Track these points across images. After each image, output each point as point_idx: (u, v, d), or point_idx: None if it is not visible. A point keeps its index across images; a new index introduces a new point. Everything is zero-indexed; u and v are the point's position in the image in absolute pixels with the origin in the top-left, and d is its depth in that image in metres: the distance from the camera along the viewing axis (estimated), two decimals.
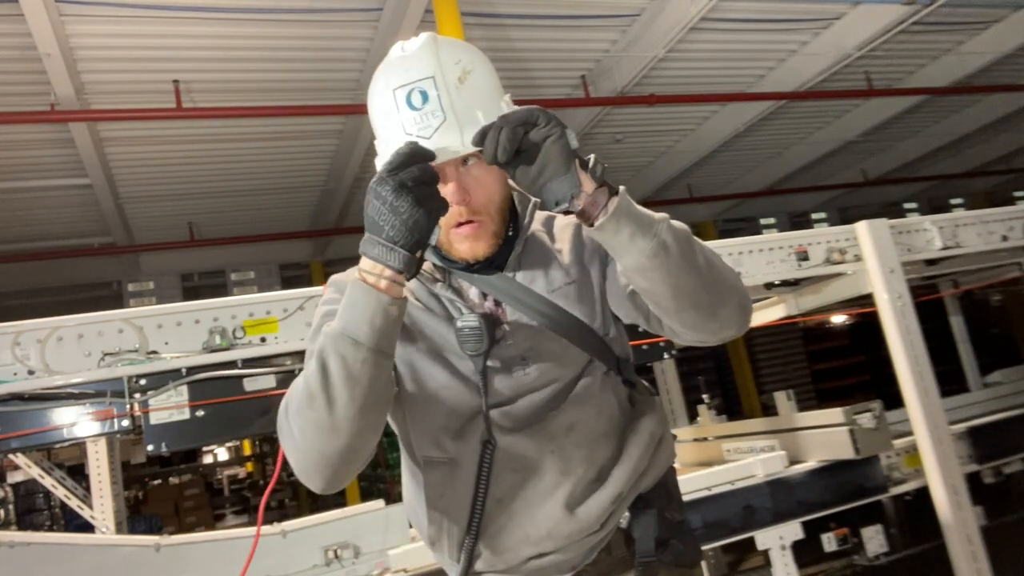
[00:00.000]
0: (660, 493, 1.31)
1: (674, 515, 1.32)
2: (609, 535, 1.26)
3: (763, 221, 10.35)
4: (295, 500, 10.79)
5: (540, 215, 1.40)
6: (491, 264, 1.26)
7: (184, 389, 2.22)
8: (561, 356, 1.26)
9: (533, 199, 1.33)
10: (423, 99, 1.13)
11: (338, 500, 7.25)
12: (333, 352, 1.03)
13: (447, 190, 1.16)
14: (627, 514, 1.27)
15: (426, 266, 1.28)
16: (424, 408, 1.25)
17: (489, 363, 1.22)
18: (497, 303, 1.28)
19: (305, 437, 1.07)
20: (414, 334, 1.25)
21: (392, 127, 1.15)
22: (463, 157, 1.17)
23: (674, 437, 1.43)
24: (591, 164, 1.09)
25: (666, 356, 2.82)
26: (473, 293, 1.29)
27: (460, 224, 1.20)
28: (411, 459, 1.32)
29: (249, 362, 2.28)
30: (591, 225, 1.08)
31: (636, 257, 1.08)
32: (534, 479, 1.22)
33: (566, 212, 1.10)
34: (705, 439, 3.50)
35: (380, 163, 1.17)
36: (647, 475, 1.29)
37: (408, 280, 1.07)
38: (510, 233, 1.29)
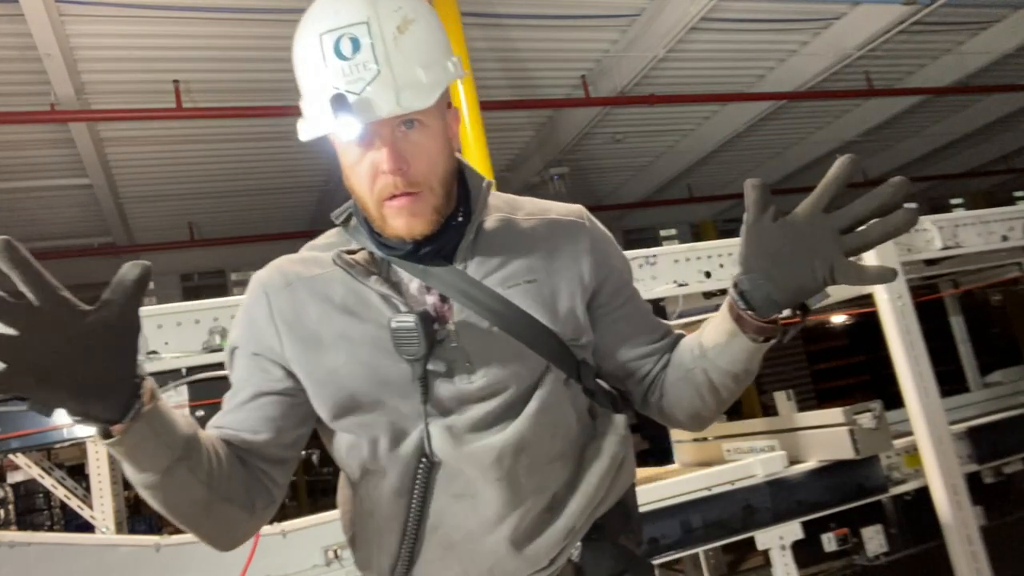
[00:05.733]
0: (616, 517, 1.17)
1: (630, 542, 1.18)
2: (558, 570, 1.10)
3: None
4: (295, 500, 10.80)
5: (500, 198, 1.21)
6: (437, 253, 1.09)
7: (184, 389, 2.22)
8: (514, 362, 1.07)
9: (487, 179, 1.16)
10: (354, 47, 0.97)
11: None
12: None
13: (379, 156, 1.01)
14: (578, 544, 1.11)
15: (359, 256, 1.10)
16: (354, 420, 1.08)
17: (430, 367, 1.04)
18: (443, 299, 1.09)
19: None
20: (339, 342, 1.06)
21: (317, 80, 0.99)
22: (401, 119, 1.01)
23: (649, 454, 1.35)
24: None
25: None
26: (414, 287, 1.10)
27: (394, 196, 1.03)
28: (344, 471, 1.18)
29: None
30: (753, 332, 0.99)
31: (744, 365, 1.05)
32: (478, 507, 1.06)
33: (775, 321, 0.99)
34: (705, 439, 3.49)
35: (302, 129, 1.04)
36: (604, 502, 1.14)
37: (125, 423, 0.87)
38: (460, 218, 1.12)
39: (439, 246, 1.08)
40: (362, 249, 1.11)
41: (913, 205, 0.87)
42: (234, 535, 1.08)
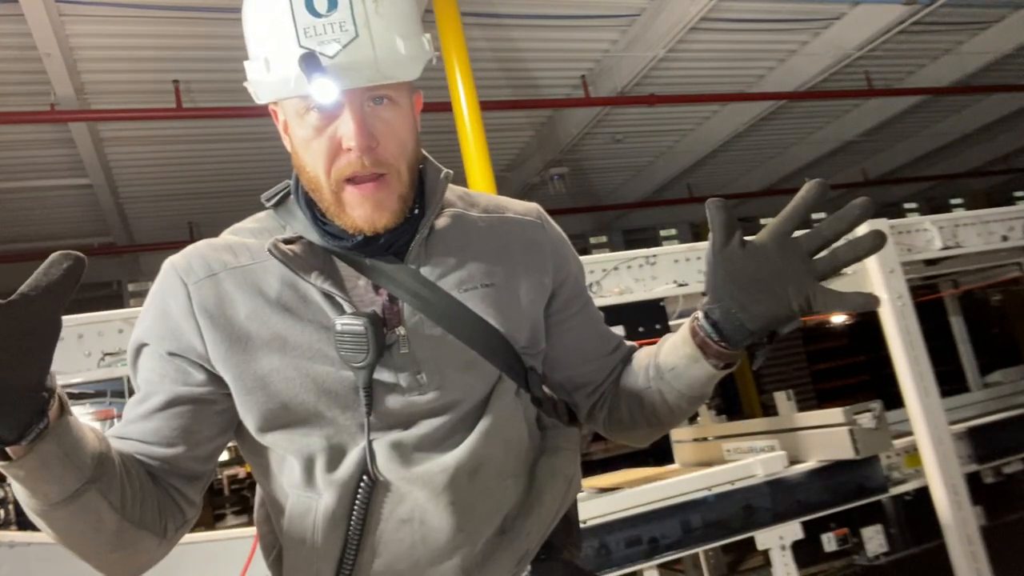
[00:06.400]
0: (562, 531, 1.08)
1: (573, 553, 1.11)
2: None
3: (763, 221, 10.28)
4: None
5: (454, 192, 1.10)
6: (387, 248, 0.97)
7: None
8: (467, 372, 0.98)
9: (445, 170, 1.05)
10: (329, 5, 0.86)
11: None
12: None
13: (346, 129, 0.90)
14: (528, 567, 1.03)
15: (296, 247, 0.97)
16: (286, 434, 0.95)
17: (376, 376, 0.93)
18: (392, 299, 0.97)
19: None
20: (271, 343, 0.94)
21: (281, 37, 0.88)
22: (372, 96, 0.92)
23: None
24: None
25: None
26: (362, 285, 0.98)
27: (359, 179, 0.92)
28: (268, 494, 1.03)
29: None
30: (714, 358, 0.93)
31: (701, 389, 0.99)
32: (426, 534, 0.95)
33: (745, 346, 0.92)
34: (705, 439, 3.50)
35: (259, 93, 0.93)
36: (554, 521, 1.06)
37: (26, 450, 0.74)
38: (416, 211, 1.01)
39: (390, 240, 0.97)
40: (299, 238, 0.98)
41: (884, 225, 0.86)
42: (139, 565, 0.95)
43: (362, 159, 0.90)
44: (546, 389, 1.13)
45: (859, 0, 5.73)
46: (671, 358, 1.00)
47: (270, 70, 0.90)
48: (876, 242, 0.84)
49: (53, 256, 0.71)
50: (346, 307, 0.93)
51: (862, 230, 0.87)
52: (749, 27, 5.95)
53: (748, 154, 9.07)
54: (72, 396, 2.26)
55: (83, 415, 2.17)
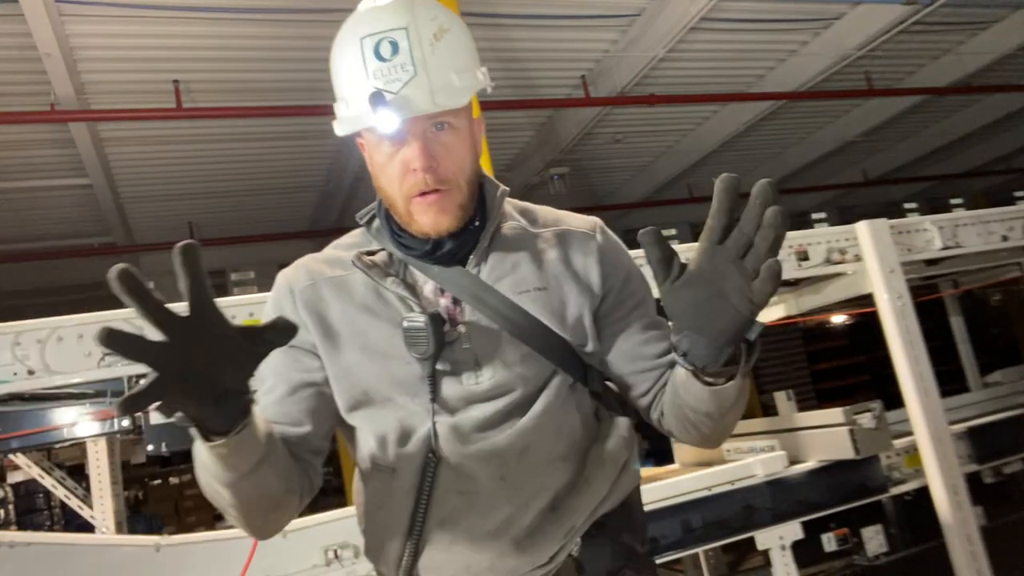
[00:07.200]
0: (619, 516, 1.18)
1: (632, 541, 1.19)
2: (558, 566, 1.13)
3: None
4: None
5: (515, 206, 1.26)
6: (453, 255, 1.14)
7: None
8: (521, 365, 1.12)
9: (503, 187, 1.21)
10: (393, 50, 1.05)
11: (338, 500, 7.25)
12: (198, 466, 0.99)
13: (411, 152, 1.07)
14: (578, 541, 1.13)
15: (377, 257, 1.16)
16: (368, 415, 1.13)
17: (439, 367, 1.09)
18: (456, 301, 1.14)
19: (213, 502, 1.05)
20: (355, 339, 1.12)
21: (355, 80, 1.07)
22: (433, 122, 1.08)
23: (649, 454, 1.36)
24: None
25: None
26: (429, 289, 1.15)
27: (424, 193, 1.08)
28: (359, 470, 1.22)
29: None
30: (709, 377, 0.97)
31: (715, 404, 1.02)
32: (480, 505, 1.09)
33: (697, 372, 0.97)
34: None
35: (338, 127, 1.12)
36: (606, 502, 1.16)
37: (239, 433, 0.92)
38: (477, 223, 1.16)
39: (455, 249, 1.13)
40: (381, 250, 1.17)
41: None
42: (281, 524, 1.11)
43: (425, 178, 1.07)
44: (610, 385, 1.24)
45: (859, 0, 5.73)
46: (678, 377, 1.07)
47: (348, 107, 1.10)
48: (775, 220, 0.84)
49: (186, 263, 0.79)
50: (414, 307, 1.10)
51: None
52: (749, 27, 5.95)
53: (748, 154, 9.07)
54: (72, 396, 2.27)
55: (82, 415, 2.17)
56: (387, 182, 1.11)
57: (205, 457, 0.93)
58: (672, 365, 1.15)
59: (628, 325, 1.21)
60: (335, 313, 1.14)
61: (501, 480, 1.09)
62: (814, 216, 10.90)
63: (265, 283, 8.56)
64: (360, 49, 1.06)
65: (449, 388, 1.10)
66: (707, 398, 1.01)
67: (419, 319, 1.07)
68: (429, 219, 1.10)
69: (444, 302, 1.14)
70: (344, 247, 1.24)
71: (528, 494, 1.10)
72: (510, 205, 1.24)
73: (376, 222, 1.21)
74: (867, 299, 3.11)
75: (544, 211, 1.27)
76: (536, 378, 1.13)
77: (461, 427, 1.09)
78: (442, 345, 1.07)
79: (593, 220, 1.27)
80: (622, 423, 1.20)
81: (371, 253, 1.17)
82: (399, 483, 1.11)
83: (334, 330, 1.13)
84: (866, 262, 3.03)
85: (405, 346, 1.07)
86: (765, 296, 0.86)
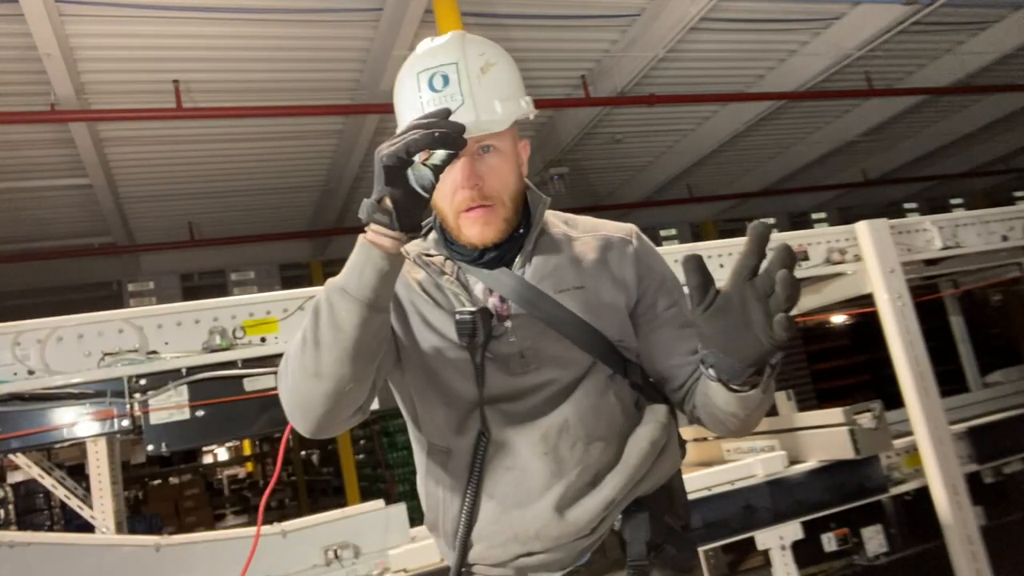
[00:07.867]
0: (660, 497, 1.31)
1: (672, 520, 1.33)
2: (602, 538, 1.26)
3: (762, 220, 10.32)
4: (295, 500, 10.79)
5: (556, 215, 1.40)
6: (499, 260, 1.27)
7: (184, 389, 2.21)
8: (562, 356, 1.25)
9: (545, 198, 1.35)
10: (444, 82, 1.18)
11: (338, 500, 7.26)
12: (325, 300, 1.07)
13: (459, 172, 1.19)
14: (620, 516, 1.27)
15: (436, 259, 1.30)
16: (428, 395, 1.27)
17: (488, 357, 1.23)
18: (503, 299, 1.27)
19: (294, 379, 1.11)
20: (420, 324, 1.27)
21: (412, 109, 1.20)
22: (480, 145, 1.21)
23: (683, 445, 1.41)
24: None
25: None
26: (479, 289, 1.29)
27: (470, 209, 1.22)
28: (418, 441, 1.35)
29: (249, 362, 2.27)
30: (744, 387, 1.07)
31: (741, 406, 1.12)
32: (526, 479, 1.22)
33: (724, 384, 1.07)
34: (705, 439, 3.50)
35: None
36: (645, 482, 1.28)
37: (409, 240, 1.08)
38: (521, 230, 1.30)
39: (501, 253, 1.27)
40: (438, 255, 1.31)
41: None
42: (345, 403, 1.13)
43: (471, 194, 1.20)
44: (650, 378, 1.35)
45: (859, 0, 5.74)
46: (706, 382, 1.15)
47: None
48: (783, 254, 0.93)
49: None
50: (466, 303, 1.25)
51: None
52: (749, 27, 5.95)
53: (748, 154, 9.08)
54: (72, 396, 2.26)
55: (82, 415, 2.17)
56: (440, 198, 1.24)
57: (357, 289, 1.04)
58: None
59: (663, 324, 1.32)
60: (405, 296, 1.28)
61: (544, 456, 1.22)
62: (814, 216, 10.93)
63: (265, 282, 8.57)
64: (416, 82, 1.20)
65: (497, 375, 1.23)
66: (733, 401, 1.11)
67: (468, 312, 1.20)
68: (476, 231, 1.23)
69: (492, 300, 1.27)
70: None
71: (569, 469, 1.22)
72: (552, 214, 1.38)
73: (432, 234, 1.35)
74: (867, 299, 3.11)
75: (583, 219, 1.41)
76: (575, 368, 1.26)
77: (508, 411, 1.23)
78: (490, 336, 1.20)
79: (629, 227, 1.40)
80: (660, 410, 1.31)
81: (429, 255, 1.31)
82: (456, 461, 1.25)
83: (404, 309, 1.28)
84: (866, 262, 3.04)
85: (456, 335, 1.20)
86: (782, 340, 0.95)
